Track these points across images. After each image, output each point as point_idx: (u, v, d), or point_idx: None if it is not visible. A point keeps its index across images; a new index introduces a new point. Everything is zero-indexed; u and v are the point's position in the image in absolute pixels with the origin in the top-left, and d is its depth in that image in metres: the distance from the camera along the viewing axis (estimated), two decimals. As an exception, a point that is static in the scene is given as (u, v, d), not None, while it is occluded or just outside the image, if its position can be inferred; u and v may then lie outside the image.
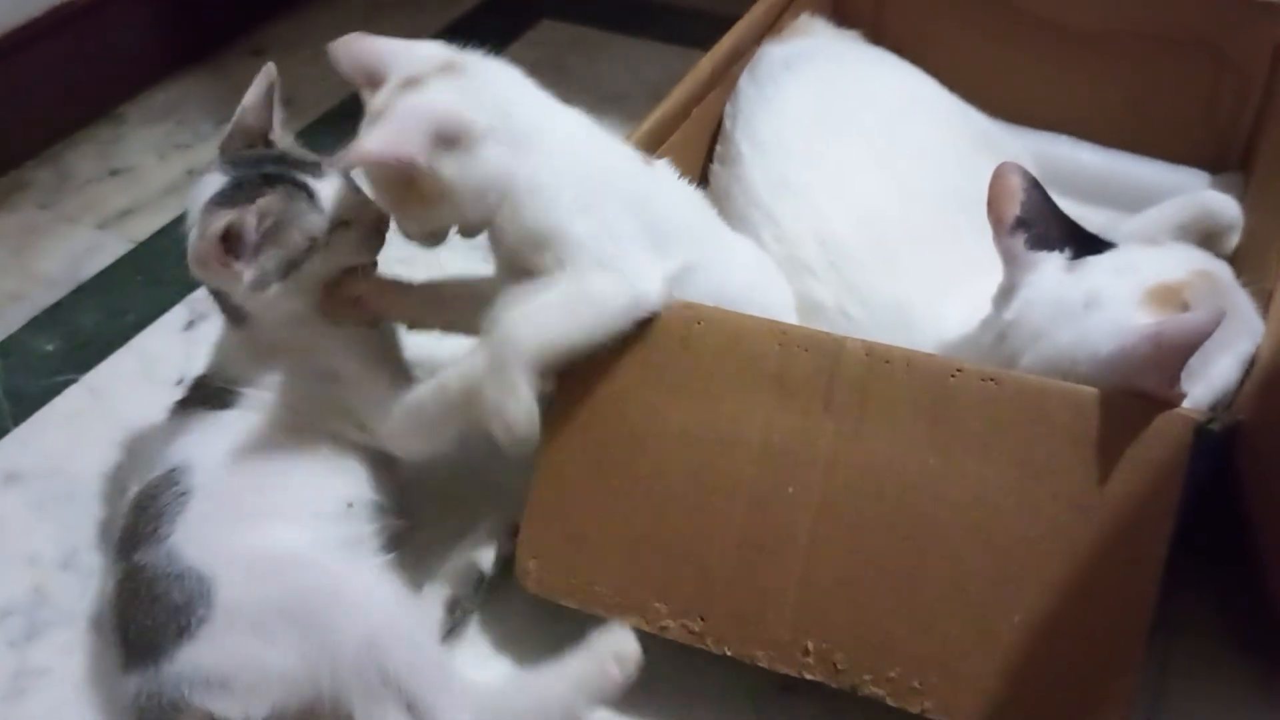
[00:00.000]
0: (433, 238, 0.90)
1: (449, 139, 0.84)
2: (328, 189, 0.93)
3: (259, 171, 0.93)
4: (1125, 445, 0.78)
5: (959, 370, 0.83)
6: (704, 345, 0.88)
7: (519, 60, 1.84)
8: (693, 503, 0.87)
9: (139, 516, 0.88)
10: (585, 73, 1.69)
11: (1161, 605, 0.91)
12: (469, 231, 0.90)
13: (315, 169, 0.94)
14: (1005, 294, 0.90)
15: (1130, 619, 0.77)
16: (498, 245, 0.90)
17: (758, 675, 0.85)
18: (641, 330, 0.89)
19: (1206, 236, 1.07)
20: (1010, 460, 0.81)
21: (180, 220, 1.42)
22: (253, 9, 1.79)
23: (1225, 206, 1.07)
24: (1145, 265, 0.85)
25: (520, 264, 0.88)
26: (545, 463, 0.92)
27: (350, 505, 0.93)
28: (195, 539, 0.85)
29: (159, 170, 1.50)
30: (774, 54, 1.22)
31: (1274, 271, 0.88)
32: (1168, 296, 0.82)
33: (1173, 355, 0.76)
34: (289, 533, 0.87)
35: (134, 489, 0.91)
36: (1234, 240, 1.07)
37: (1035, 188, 0.90)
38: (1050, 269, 0.87)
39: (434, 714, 0.79)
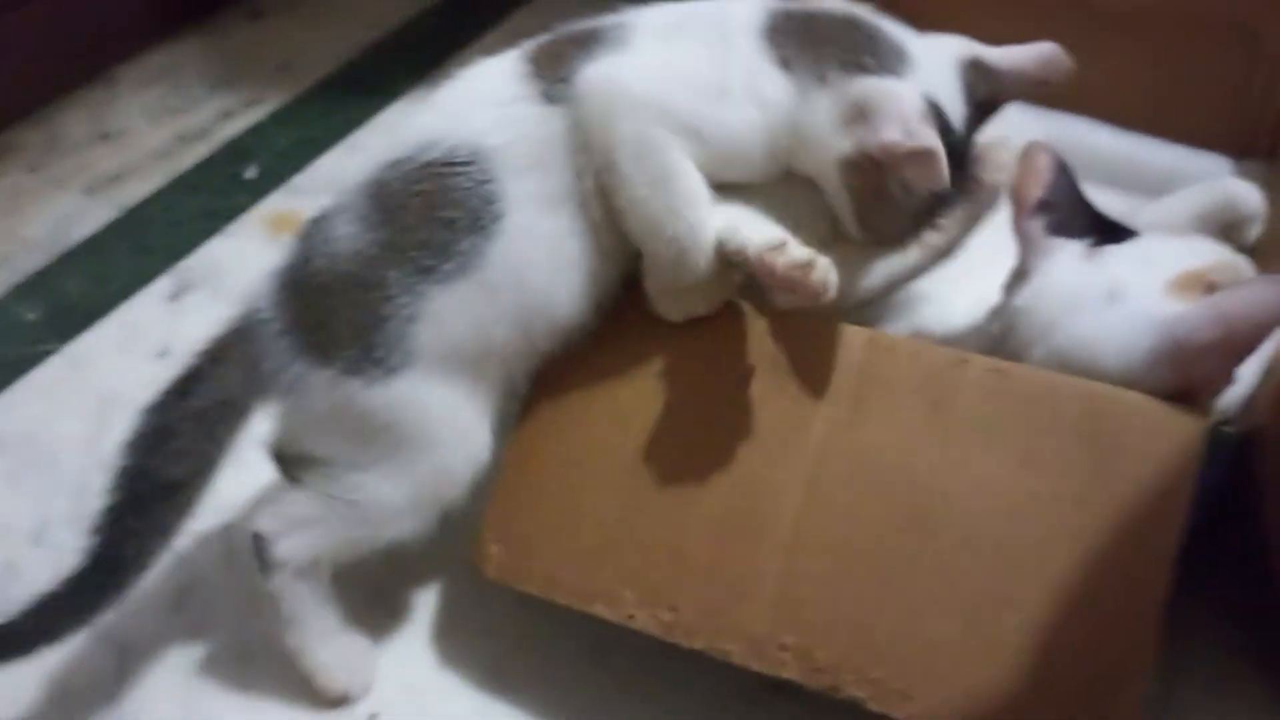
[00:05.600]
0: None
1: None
2: None
3: None
4: (1135, 445, 0.74)
5: (964, 360, 0.79)
6: (700, 327, 0.84)
7: (523, 29, 1.81)
8: (672, 486, 0.83)
9: None
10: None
11: (1169, 612, 0.88)
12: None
13: None
14: (1017, 279, 0.85)
15: (1137, 627, 0.73)
16: None
17: (748, 673, 0.82)
18: (639, 312, 0.85)
19: (1227, 227, 1.03)
20: (1014, 456, 0.77)
21: (169, 188, 1.42)
22: (253, -31, 1.75)
23: (1247, 195, 1.02)
24: (1166, 255, 0.80)
25: None
26: (520, 443, 0.87)
27: None
28: None
29: (150, 135, 1.46)
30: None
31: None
32: (1193, 283, 0.77)
33: (1245, 336, 0.70)
34: None
35: None
36: (1255, 232, 1.02)
37: (1063, 171, 0.86)
38: (1067, 256, 0.83)
39: None
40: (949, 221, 0.87)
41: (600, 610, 0.83)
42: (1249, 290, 0.71)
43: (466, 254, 0.79)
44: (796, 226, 0.81)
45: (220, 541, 0.98)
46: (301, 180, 1.39)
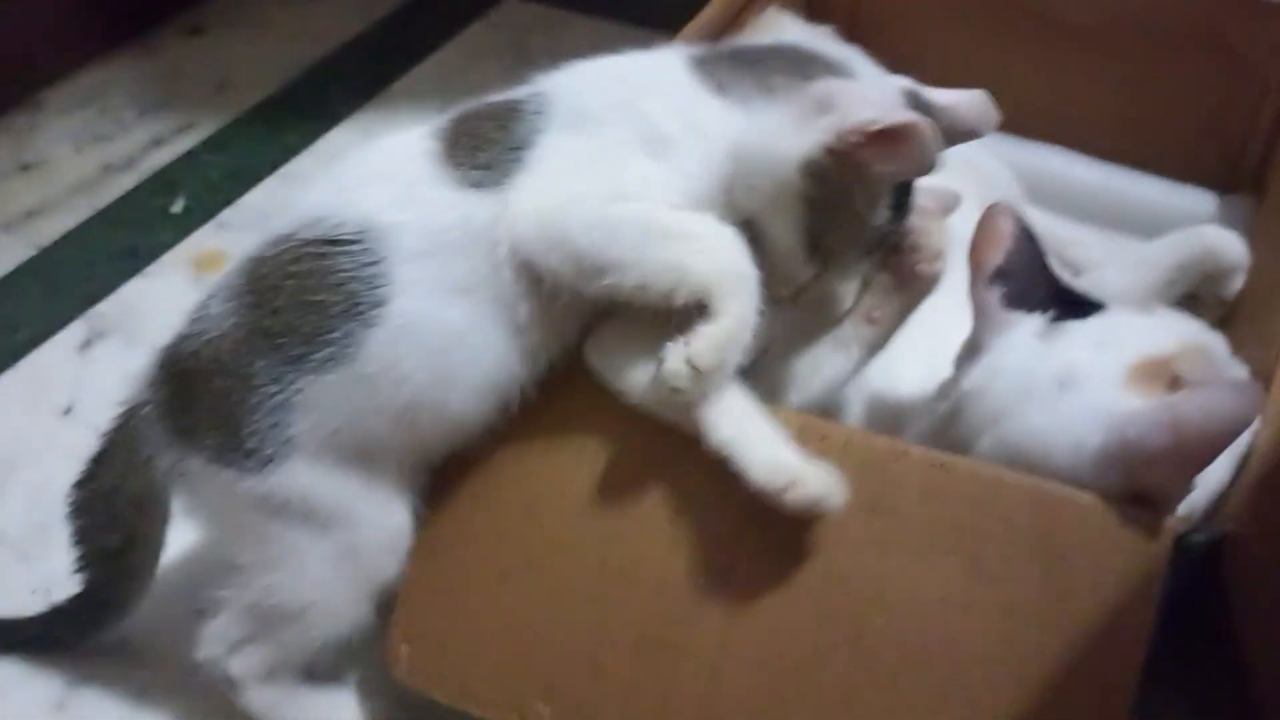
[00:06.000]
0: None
1: None
2: None
3: None
4: (1093, 554, 0.67)
5: (903, 453, 0.71)
6: (620, 407, 0.76)
7: (478, 43, 1.74)
8: (591, 589, 0.76)
9: None
10: (547, 57, 1.55)
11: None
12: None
13: None
14: (969, 354, 0.77)
15: (1092, 758, 0.66)
16: None
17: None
18: (551, 384, 0.78)
19: (1207, 278, 0.95)
20: (958, 562, 0.69)
21: (88, 224, 1.34)
22: (193, -17, 1.67)
23: (1228, 245, 0.94)
24: (1129, 336, 0.72)
25: None
26: (430, 533, 0.80)
27: None
28: None
29: (72, 165, 1.38)
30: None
31: (1276, 344, 0.75)
32: (1156, 372, 0.69)
33: (1199, 449, 0.63)
34: None
35: None
36: (1238, 283, 0.95)
37: (1027, 238, 0.77)
38: (1023, 333, 0.75)
39: None
40: (883, 314, 0.79)
41: (512, 725, 0.77)
42: (1207, 396, 0.63)
43: (339, 343, 0.72)
44: None
45: (110, 636, 0.90)
46: (230, 215, 1.31)
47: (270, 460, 0.73)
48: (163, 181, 1.36)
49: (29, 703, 0.86)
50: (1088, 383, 0.69)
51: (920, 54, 1.20)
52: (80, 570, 0.82)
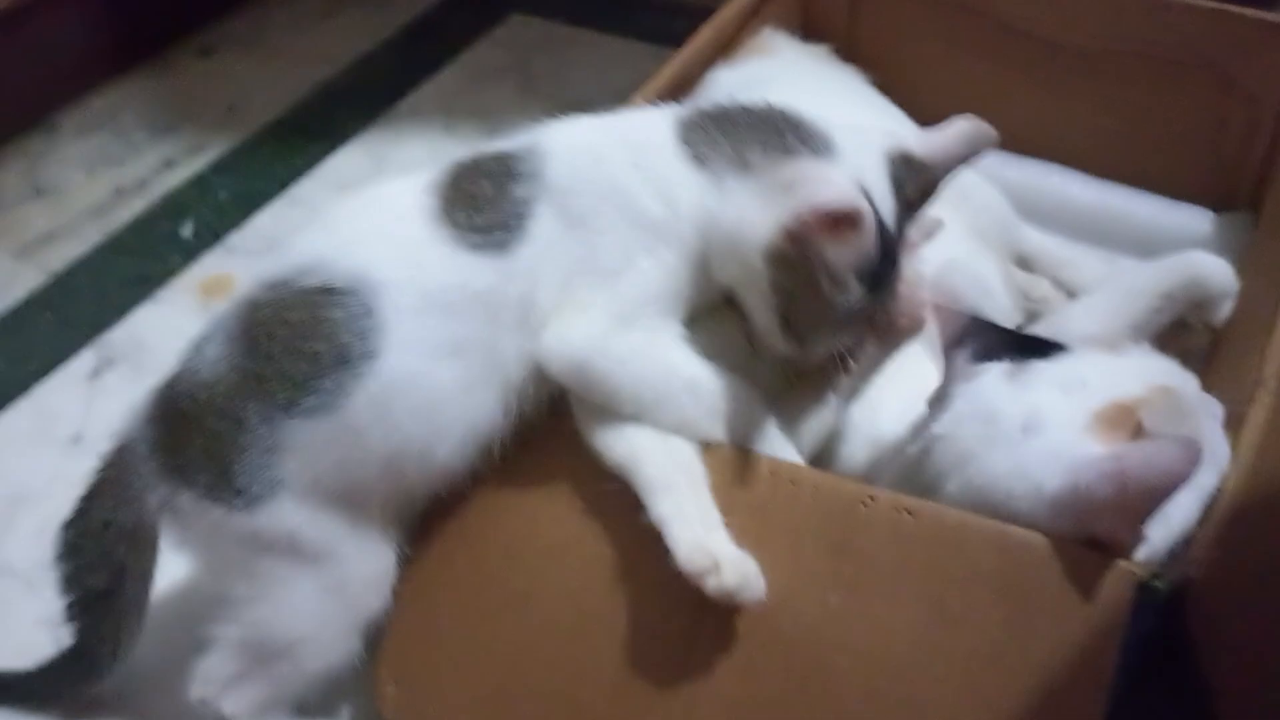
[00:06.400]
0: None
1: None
2: None
3: None
4: (1055, 598, 0.67)
5: (871, 498, 0.72)
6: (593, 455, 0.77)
7: (483, 62, 1.75)
8: (567, 631, 0.77)
9: None
10: (550, 76, 1.58)
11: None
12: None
13: None
14: (939, 402, 0.78)
15: (1055, 804, 0.66)
16: None
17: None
18: (526, 430, 0.79)
19: (1196, 305, 0.95)
20: (923, 607, 0.70)
21: (100, 250, 1.36)
22: (203, 4, 1.69)
23: (1217, 271, 0.94)
24: (1095, 379, 0.72)
25: None
26: (414, 575, 0.82)
27: None
28: None
29: (85, 189, 1.40)
30: (721, 81, 1.10)
31: (1249, 384, 0.75)
32: (1119, 419, 0.69)
33: (1141, 500, 0.64)
34: None
35: None
36: (1226, 309, 0.94)
37: (973, 315, 0.81)
38: (990, 378, 0.75)
39: None
40: (858, 364, 0.79)
41: (497, 764, 0.79)
42: (1150, 450, 0.64)
43: (329, 391, 0.73)
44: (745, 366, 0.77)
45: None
46: (239, 239, 1.33)
47: (259, 499, 0.75)
48: (172, 205, 1.38)
49: (33, 734, 0.89)
50: (1051, 427, 0.69)
51: (917, 73, 1.21)
52: (70, 619, 0.83)
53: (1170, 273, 0.94)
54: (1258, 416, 0.72)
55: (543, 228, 0.75)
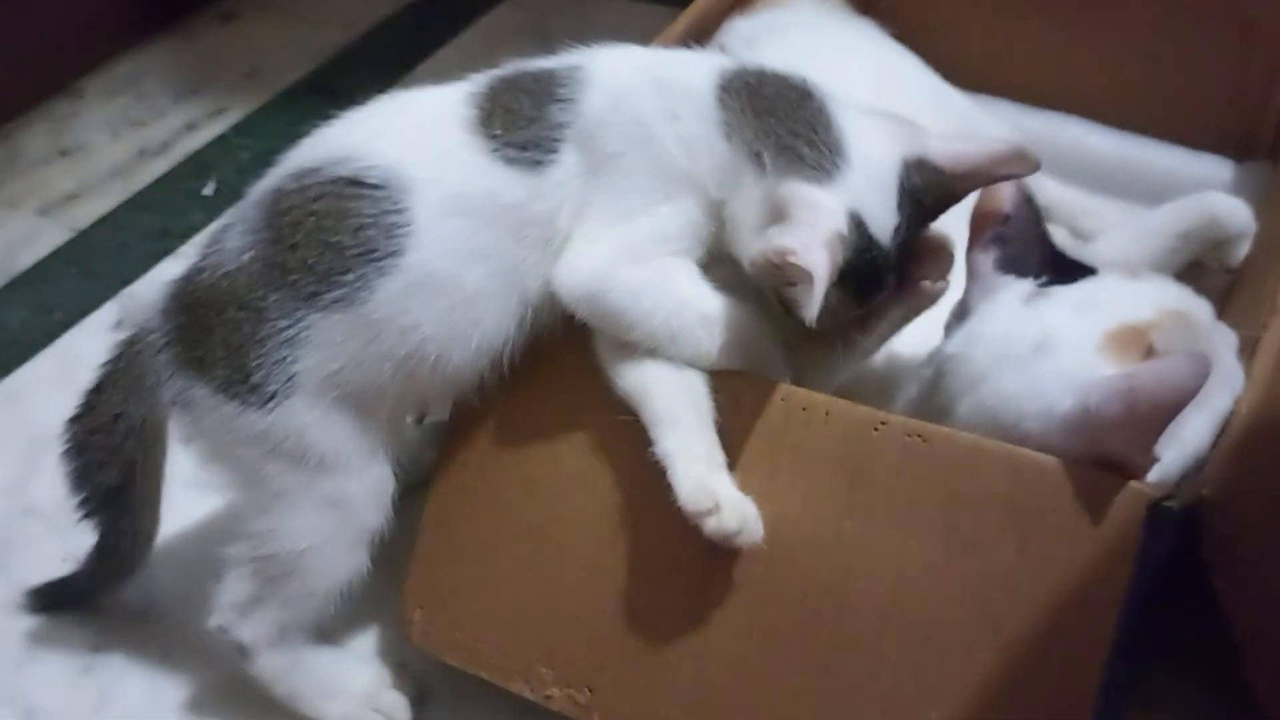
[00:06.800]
0: None
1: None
2: None
3: None
4: (1068, 522, 0.67)
5: (883, 423, 0.72)
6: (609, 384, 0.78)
7: (501, 25, 1.76)
8: (585, 559, 0.78)
9: None
10: (568, 36, 1.56)
11: (1137, 691, 0.81)
12: None
13: None
14: (958, 317, 0.78)
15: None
16: None
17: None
18: (539, 356, 0.79)
19: (1213, 245, 0.94)
20: (935, 531, 0.70)
21: (123, 207, 1.38)
22: (224, -29, 1.70)
23: (1233, 212, 0.93)
24: (1110, 302, 0.72)
25: None
26: (436, 501, 0.83)
27: None
28: None
29: (109, 150, 1.42)
30: (738, 31, 1.10)
31: (1265, 311, 0.75)
32: (1131, 340, 0.69)
33: (1149, 417, 0.63)
34: None
35: None
36: (1243, 250, 0.94)
37: (1028, 203, 0.78)
38: (1009, 297, 0.75)
39: None
40: (876, 327, 0.78)
41: (519, 688, 0.80)
42: (1161, 367, 0.64)
43: (352, 285, 0.73)
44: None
45: (136, 597, 0.94)
46: (259, 196, 1.34)
47: (273, 397, 0.75)
48: (195, 165, 1.40)
49: (56, 666, 0.91)
50: (1063, 348, 0.69)
51: (936, 22, 1.21)
52: (87, 517, 0.85)
53: (1187, 213, 0.94)
54: (1271, 340, 0.72)
55: (574, 156, 0.75)
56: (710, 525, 0.70)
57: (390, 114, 0.79)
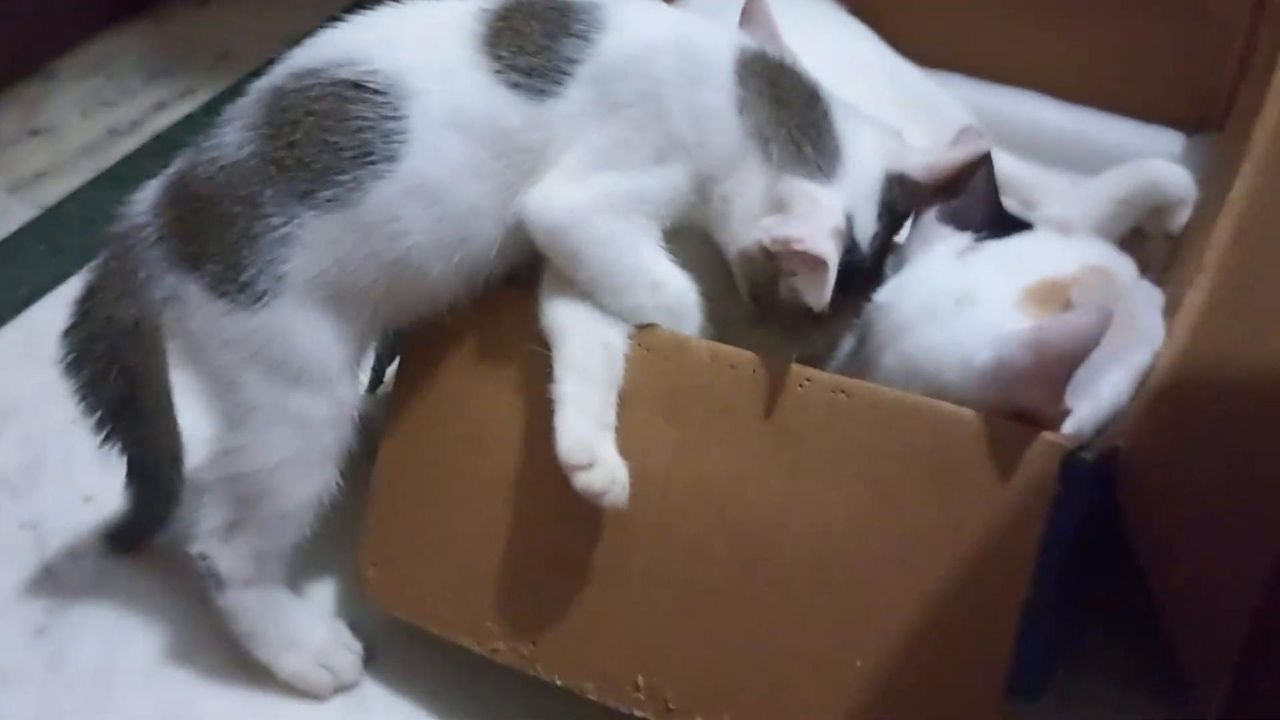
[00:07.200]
0: None
1: None
2: None
3: None
4: (986, 474, 0.68)
5: (808, 379, 0.73)
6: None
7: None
8: (529, 516, 0.80)
9: None
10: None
11: (1071, 641, 0.83)
12: None
13: None
14: (895, 266, 0.80)
15: (983, 672, 0.68)
16: None
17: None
18: (482, 317, 0.81)
19: (1153, 211, 0.96)
20: (859, 485, 0.71)
21: (91, 185, 1.39)
22: (198, -46, 1.71)
23: (1173, 178, 0.94)
24: (1033, 258, 0.74)
25: None
26: (386, 464, 0.85)
27: None
28: None
29: (79, 129, 1.43)
30: (692, 4, 1.11)
31: (1190, 270, 0.76)
32: (1050, 295, 0.71)
33: (1056, 367, 0.65)
34: None
35: None
36: (1183, 216, 0.95)
37: (985, 162, 0.80)
38: (944, 250, 0.77)
39: None
40: (839, 326, 0.81)
41: (466, 642, 0.82)
42: (1067, 319, 0.65)
43: (346, 185, 0.75)
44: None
45: (92, 561, 0.96)
46: (226, 174, 1.35)
47: (262, 296, 0.76)
48: (163, 144, 1.40)
49: (11, 629, 0.92)
50: (984, 301, 0.71)
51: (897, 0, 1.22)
52: (106, 438, 0.86)
53: (1128, 179, 0.95)
54: (1194, 300, 0.73)
55: (580, 94, 0.76)
56: (580, 480, 0.72)
57: (399, 20, 0.79)
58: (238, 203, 0.76)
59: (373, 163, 0.74)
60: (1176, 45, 1.13)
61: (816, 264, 0.70)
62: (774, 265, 0.74)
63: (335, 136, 0.75)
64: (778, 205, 0.74)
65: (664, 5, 0.82)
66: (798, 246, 0.70)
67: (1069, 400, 0.67)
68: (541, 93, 0.75)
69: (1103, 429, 0.70)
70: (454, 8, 0.78)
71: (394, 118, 0.74)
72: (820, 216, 0.73)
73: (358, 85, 0.75)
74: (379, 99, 0.75)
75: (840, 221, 0.73)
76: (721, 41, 0.78)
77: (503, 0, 0.79)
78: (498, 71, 0.75)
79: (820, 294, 0.71)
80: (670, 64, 0.76)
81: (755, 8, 0.82)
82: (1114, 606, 0.82)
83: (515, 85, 0.75)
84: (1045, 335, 0.64)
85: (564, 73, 0.75)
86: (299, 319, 0.77)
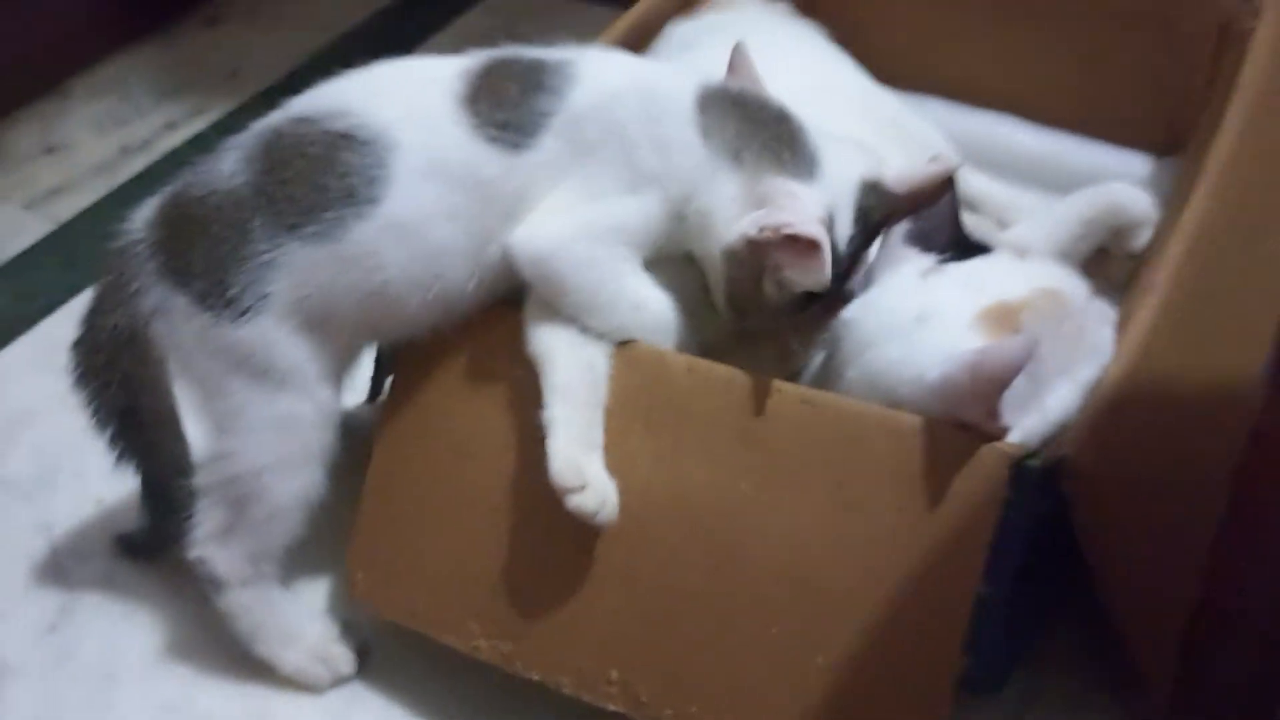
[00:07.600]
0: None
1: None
2: None
3: None
4: (941, 481, 0.72)
5: (776, 390, 0.78)
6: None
7: (473, 30, 1.81)
8: (511, 520, 0.84)
9: None
10: (537, 40, 1.63)
11: (1032, 642, 0.87)
12: None
13: None
14: (863, 285, 0.84)
15: (936, 669, 0.72)
16: None
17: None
18: (472, 332, 0.86)
19: (1116, 232, 1.00)
20: (824, 492, 0.76)
21: (104, 201, 1.44)
22: (209, -24, 1.77)
23: (1134, 200, 0.98)
24: (991, 280, 0.78)
25: None
26: (376, 470, 0.89)
27: None
28: None
29: (94, 146, 1.49)
30: (676, 33, 1.15)
31: (1139, 290, 0.80)
32: (1003, 317, 0.75)
33: (988, 387, 0.70)
34: None
35: None
36: (1145, 237, 0.99)
37: (947, 186, 0.84)
38: (909, 271, 0.82)
39: None
40: (810, 334, 0.86)
41: (450, 640, 0.86)
42: (998, 344, 0.71)
43: (330, 222, 0.80)
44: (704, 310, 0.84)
45: (102, 559, 1.01)
46: (234, 191, 1.40)
47: (246, 312, 0.82)
48: (174, 162, 1.45)
49: (23, 625, 0.97)
50: (941, 321, 0.75)
51: (873, 22, 1.26)
52: (119, 458, 0.91)
53: (1091, 201, 0.99)
54: (1143, 317, 0.77)
55: (552, 143, 0.81)
56: (572, 501, 0.77)
57: (389, 77, 0.86)
58: (228, 226, 0.81)
59: (356, 204, 0.80)
60: (1147, 71, 1.17)
61: (810, 246, 0.75)
62: (758, 261, 0.78)
63: (324, 179, 0.81)
64: (759, 204, 0.78)
65: (629, 55, 0.89)
66: (788, 231, 0.75)
67: (1019, 413, 0.71)
68: (516, 145, 0.81)
69: (1050, 439, 0.74)
70: (441, 65, 0.85)
71: (377, 166, 0.81)
72: (805, 203, 0.77)
73: (347, 136, 0.81)
74: (365, 149, 0.81)
75: (824, 212, 0.78)
76: (681, 80, 0.84)
77: (485, 59, 0.85)
78: (476, 126, 0.81)
79: (820, 274, 0.75)
80: (632, 104, 0.82)
81: (739, 60, 0.87)
82: (1075, 607, 0.86)
83: (492, 139, 0.81)
84: (980, 358, 0.69)
85: (537, 125, 0.81)
86: (280, 334, 0.83)
